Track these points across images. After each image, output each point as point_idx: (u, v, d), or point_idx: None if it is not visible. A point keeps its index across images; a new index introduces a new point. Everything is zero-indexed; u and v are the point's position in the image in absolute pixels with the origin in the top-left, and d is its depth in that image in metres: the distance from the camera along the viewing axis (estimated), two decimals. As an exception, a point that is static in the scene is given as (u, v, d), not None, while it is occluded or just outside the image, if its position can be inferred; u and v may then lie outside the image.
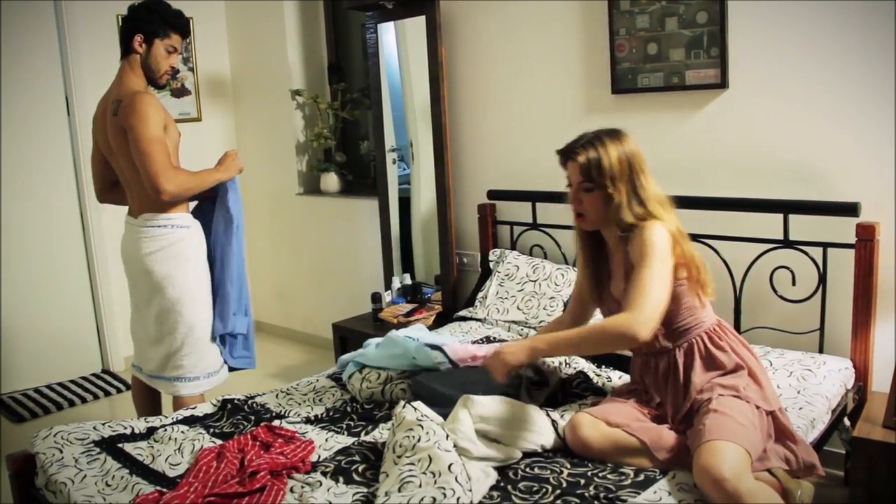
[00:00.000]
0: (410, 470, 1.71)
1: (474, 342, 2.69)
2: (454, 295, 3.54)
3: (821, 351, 2.56)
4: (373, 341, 2.48)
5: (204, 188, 2.57)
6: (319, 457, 1.95)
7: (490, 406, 1.93)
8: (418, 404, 1.95)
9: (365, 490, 1.76)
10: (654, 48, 2.83)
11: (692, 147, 2.84)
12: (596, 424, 1.88)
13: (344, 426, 2.16)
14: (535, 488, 1.73)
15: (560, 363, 2.42)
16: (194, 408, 2.37)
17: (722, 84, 2.70)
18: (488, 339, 2.79)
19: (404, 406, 1.92)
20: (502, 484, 1.77)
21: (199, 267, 2.61)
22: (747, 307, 2.72)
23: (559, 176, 3.20)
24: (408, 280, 3.82)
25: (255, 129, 4.65)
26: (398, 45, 3.72)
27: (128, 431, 2.17)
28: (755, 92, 2.66)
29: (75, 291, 4.13)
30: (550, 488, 1.72)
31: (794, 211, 2.55)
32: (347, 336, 3.55)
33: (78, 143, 4.03)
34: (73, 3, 3.95)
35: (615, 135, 2.00)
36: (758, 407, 1.86)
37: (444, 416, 1.92)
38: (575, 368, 2.38)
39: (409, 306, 3.57)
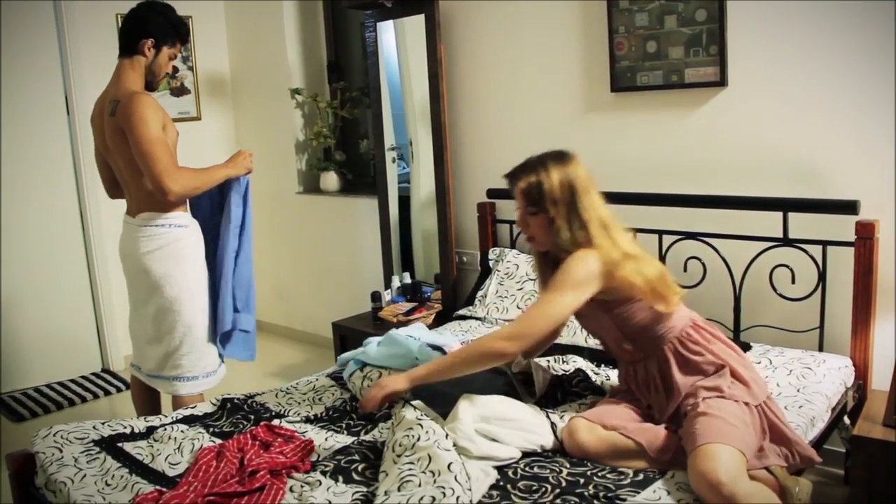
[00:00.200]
0: (410, 469, 1.71)
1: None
2: (454, 294, 3.54)
3: (820, 349, 2.56)
4: (373, 340, 2.48)
5: (210, 185, 2.57)
6: (319, 456, 1.95)
7: (490, 406, 1.93)
8: (418, 403, 1.96)
9: (364, 489, 1.76)
10: (654, 46, 2.83)
11: (691, 145, 2.84)
12: (592, 428, 1.89)
13: (343, 425, 2.16)
14: (534, 487, 1.73)
15: (550, 361, 2.43)
16: (194, 407, 2.37)
17: (721, 82, 2.70)
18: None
19: (404, 405, 1.92)
20: (502, 483, 1.77)
21: (198, 266, 2.61)
22: (747, 305, 2.72)
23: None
24: (407, 279, 3.82)
25: (254, 128, 4.64)
26: (397, 43, 3.72)
27: (127, 431, 2.17)
28: (754, 90, 2.66)
29: (75, 291, 4.13)
30: (550, 487, 1.72)
31: (794, 209, 2.55)
32: (347, 335, 3.56)
33: (77, 142, 4.03)
34: (73, 3, 3.95)
35: (559, 158, 1.99)
36: (746, 403, 1.86)
37: (444, 416, 1.92)
38: (573, 366, 2.39)
39: (409, 305, 3.57)
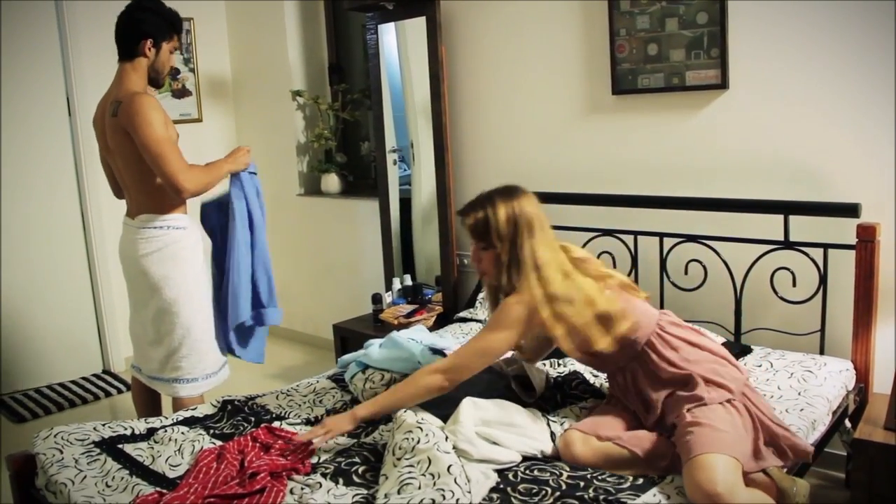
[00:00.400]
0: (410, 472, 1.71)
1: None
2: (455, 296, 3.54)
3: (822, 352, 2.56)
4: (375, 342, 2.49)
5: (218, 181, 2.60)
6: (319, 458, 1.95)
7: (491, 409, 1.94)
8: (417, 407, 1.96)
9: (365, 492, 1.76)
10: (655, 49, 2.83)
11: (692, 148, 2.84)
12: (587, 441, 1.88)
13: (344, 427, 2.16)
14: (534, 490, 1.72)
15: (546, 364, 2.43)
16: (194, 409, 2.38)
17: (722, 85, 2.70)
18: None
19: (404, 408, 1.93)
20: (502, 486, 1.76)
21: (197, 268, 2.61)
22: (748, 308, 2.71)
23: (560, 177, 3.22)
24: (408, 281, 3.82)
25: (255, 130, 4.65)
26: (399, 45, 3.72)
27: (128, 432, 2.17)
28: (755, 93, 2.66)
29: (76, 292, 4.13)
30: (550, 491, 1.71)
31: (795, 212, 2.55)
32: (348, 337, 3.56)
33: (79, 143, 4.03)
34: (75, 3, 3.95)
35: (507, 193, 2.00)
36: (729, 401, 1.85)
37: (445, 418, 1.92)
38: (570, 368, 2.38)
39: (410, 307, 3.57)
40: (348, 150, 4.42)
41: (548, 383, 2.24)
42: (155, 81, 2.61)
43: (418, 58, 3.53)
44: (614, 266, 2.98)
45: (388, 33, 3.73)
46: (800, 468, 2.02)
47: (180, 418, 2.29)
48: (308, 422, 2.22)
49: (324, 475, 1.83)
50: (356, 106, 4.27)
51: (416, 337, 2.44)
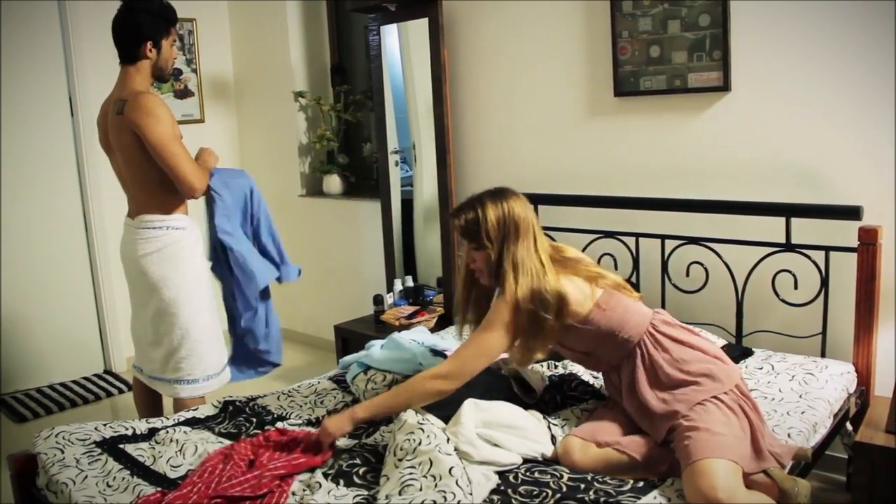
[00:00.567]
0: (411, 473, 1.71)
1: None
2: (456, 297, 3.53)
3: (823, 355, 2.55)
4: (376, 343, 2.49)
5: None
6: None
7: (492, 411, 1.94)
8: (419, 408, 1.96)
9: (366, 493, 1.76)
10: (657, 51, 2.83)
11: (694, 150, 2.84)
12: (585, 448, 1.89)
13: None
14: (535, 492, 1.72)
15: (543, 367, 2.43)
16: (195, 409, 2.38)
17: (724, 87, 2.70)
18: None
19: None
20: (503, 488, 1.76)
21: (197, 268, 2.62)
22: (749, 311, 2.71)
23: (562, 178, 3.22)
24: (410, 282, 3.81)
25: (257, 131, 4.65)
26: (401, 47, 3.72)
27: (129, 432, 2.17)
28: (758, 95, 2.66)
29: (78, 292, 4.14)
30: (550, 493, 1.71)
31: (797, 214, 2.55)
32: (349, 338, 3.56)
33: (81, 143, 4.03)
34: (77, 3, 3.96)
35: (497, 195, 2.02)
36: (723, 401, 1.85)
37: (447, 419, 1.93)
38: (569, 370, 2.38)
39: (411, 308, 3.57)
40: (350, 151, 4.42)
41: (545, 384, 2.24)
42: (161, 78, 2.63)
43: (420, 59, 3.54)
44: (616, 268, 2.98)
45: (390, 34, 3.73)
46: (801, 470, 2.02)
47: (181, 419, 2.29)
48: (309, 422, 2.22)
49: (325, 476, 1.83)
50: (358, 107, 4.27)
51: (418, 338, 2.45)
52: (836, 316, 2.55)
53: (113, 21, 2.54)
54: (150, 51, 2.53)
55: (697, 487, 1.67)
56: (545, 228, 3.24)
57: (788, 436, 2.01)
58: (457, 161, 3.56)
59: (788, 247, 2.59)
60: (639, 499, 1.69)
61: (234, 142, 4.72)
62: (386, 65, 3.75)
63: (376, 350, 2.44)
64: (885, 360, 2.50)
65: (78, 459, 1.97)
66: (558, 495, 1.70)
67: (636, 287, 2.79)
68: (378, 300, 3.62)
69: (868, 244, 2.40)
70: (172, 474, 1.93)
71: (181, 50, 4.41)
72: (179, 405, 2.61)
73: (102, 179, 3.97)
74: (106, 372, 4.23)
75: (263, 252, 2.80)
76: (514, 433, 1.90)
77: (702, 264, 2.79)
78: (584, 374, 2.37)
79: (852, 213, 2.42)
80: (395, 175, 3.85)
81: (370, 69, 3.86)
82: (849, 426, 2.35)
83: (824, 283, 2.54)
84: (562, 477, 1.78)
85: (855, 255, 2.43)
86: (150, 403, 2.82)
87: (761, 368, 2.45)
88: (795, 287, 2.59)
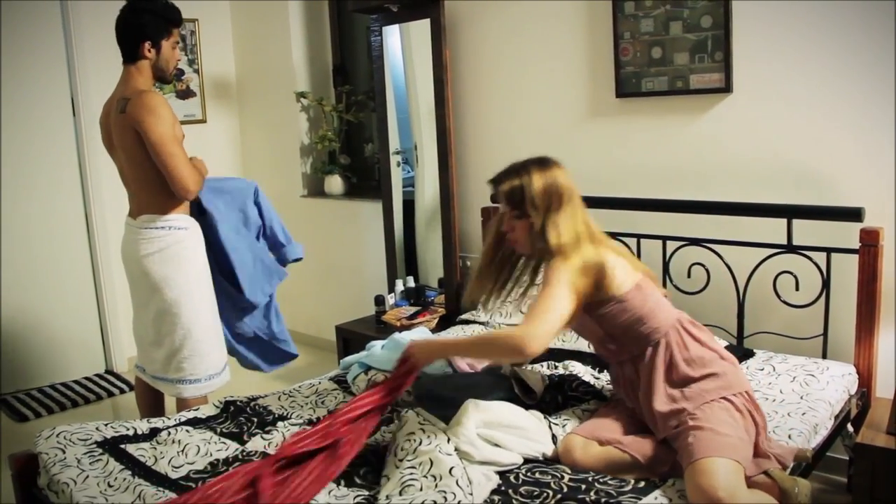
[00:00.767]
0: (412, 473, 1.71)
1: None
2: (457, 298, 3.53)
3: (824, 356, 2.55)
4: (377, 343, 2.49)
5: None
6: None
7: (494, 411, 1.94)
8: (420, 409, 1.96)
9: (366, 493, 1.76)
10: (659, 52, 2.83)
11: (696, 151, 2.84)
12: (587, 447, 1.88)
13: (346, 429, 2.16)
14: (535, 493, 1.72)
15: (543, 367, 2.42)
16: (197, 409, 2.38)
17: (726, 88, 2.70)
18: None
19: (406, 409, 1.92)
20: (503, 488, 1.76)
21: (198, 268, 2.62)
22: (750, 312, 2.71)
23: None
24: (411, 283, 3.82)
25: (259, 132, 4.66)
26: (403, 47, 3.72)
27: (130, 432, 2.17)
28: (759, 96, 2.66)
29: (79, 292, 4.14)
30: (551, 493, 1.71)
31: (798, 216, 2.55)
32: (350, 338, 3.56)
33: (83, 143, 4.04)
34: (79, 3, 3.96)
35: (542, 164, 2.01)
36: (731, 401, 1.85)
37: (447, 419, 1.93)
38: (568, 371, 2.38)
39: (413, 309, 3.57)
40: (352, 151, 4.42)
41: (545, 384, 2.24)
42: (162, 79, 2.62)
43: (422, 60, 3.54)
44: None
45: (392, 35, 3.73)
46: (802, 471, 2.02)
47: (183, 419, 2.29)
48: (310, 422, 2.22)
49: (325, 476, 1.83)
50: (360, 108, 4.28)
51: (419, 339, 2.44)
52: (837, 317, 2.55)
53: (116, 19, 2.54)
54: (149, 51, 2.53)
55: (699, 486, 1.67)
56: (546, 229, 3.25)
57: (789, 437, 2.00)
58: (458, 162, 3.56)
59: (790, 248, 2.58)
60: (640, 499, 1.69)
61: (235, 142, 4.73)
62: (388, 65, 3.75)
63: (377, 350, 2.44)
64: (886, 361, 2.50)
65: (79, 459, 1.97)
66: (559, 495, 1.70)
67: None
68: (379, 301, 3.62)
69: (869, 246, 2.40)
70: (173, 475, 1.93)
71: (183, 50, 4.41)
72: (182, 405, 2.61)
73: (104, 179, 3.98)
74: (107, 372, 4.23)
75: (272, 237, 2.89)
76: (515, 433, 1.90)
77: (703, 265, 2.79)
78: (585, 374, 2.37)
79: (854, 214, 2.42)
80: (397, 176, 3.85)
81: (372, 70, 3.86)
82: (850, 428, 2.35)
83: (825, 284, 2.54)
84: (563, 477, 1.78)
85: (856, 256, 2.43)
86: (152, 403, 2.83)
87: (762, 370, 2.45)
88: (797, 288, 2.59)
